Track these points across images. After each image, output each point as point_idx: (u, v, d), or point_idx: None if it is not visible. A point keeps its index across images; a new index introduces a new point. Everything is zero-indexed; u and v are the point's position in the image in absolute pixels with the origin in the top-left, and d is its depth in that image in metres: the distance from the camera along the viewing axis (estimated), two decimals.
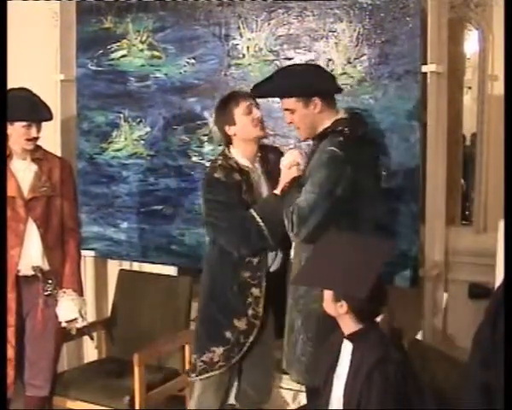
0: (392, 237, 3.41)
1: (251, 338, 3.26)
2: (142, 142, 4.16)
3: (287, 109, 3.02)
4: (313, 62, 3.59)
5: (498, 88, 3.53)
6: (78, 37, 4.31)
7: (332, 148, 2.89)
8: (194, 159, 3.81)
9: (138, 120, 4.16)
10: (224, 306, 3.27)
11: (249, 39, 3.82)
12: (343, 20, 3.57)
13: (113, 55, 4.21)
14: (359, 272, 2.43)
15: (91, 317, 4.52)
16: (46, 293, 3.61)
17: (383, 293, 2.54)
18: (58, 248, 3.69)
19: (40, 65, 4.49)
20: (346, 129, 2.94)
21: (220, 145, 3.87)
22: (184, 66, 4.00)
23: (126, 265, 4.45)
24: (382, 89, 3.50)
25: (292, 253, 3.18)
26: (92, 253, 4.40)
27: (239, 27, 3.84)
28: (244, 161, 3.26)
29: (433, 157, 3.50)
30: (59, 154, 4.31)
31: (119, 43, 4.19)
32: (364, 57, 3.53)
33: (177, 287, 4.06)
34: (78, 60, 4.32)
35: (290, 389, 3.85)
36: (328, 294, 2.53)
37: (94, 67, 4.28)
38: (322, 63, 3.57)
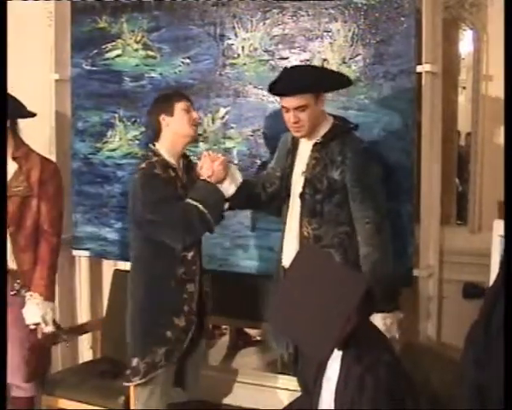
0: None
1: (189, 335, 3.24)
2: (137, 142, 4.15)
3: (298, 107, 3.07)
4: (308, 62, 3.61)
5: (493, 88, 3.54)
6: (72, 36, 4.30)
7: (363, 145, 3.17)
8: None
9: (133, 119, 4.15)
10: (163, 304, 3.21)
11: (244, 39, 3.82)
12: (338, 19, 3.58)
13: (108, 55, 4.20)
14: (325, 324, 2.35)
15: (86, 317, 4.53)
16: (12, 293, 3.56)
17: (372, 300, 2.52)
18: (30, 249, 3.61)
19: (35, 64, 4.47)
20: (355, 127, 3.22)
21: (215, 145, 3.89)
22: (179, 65, 4.00)
23: (121, 265, 4.43)
24: (377, 89, 3.50)
25: (283, 256, 3.25)
26: (87, 253, 4.39)
27: (234, 27, 3.84)
28: (170, 159, 3.24)
29: (427, 157, 3.51)
30: (54, 154, 4.31)
31: (113, 43, 4.18)
32: (359, 57, 3.54)
33: None
34: (73, 59, 4.31)
35: (286, 390, 3.85)
36: None
37: (89, 67, 4.26)
38: (316, 63, 3.59)
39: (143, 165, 3.19)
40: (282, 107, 3.14)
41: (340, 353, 2.49)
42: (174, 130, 3.23)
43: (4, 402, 2.74)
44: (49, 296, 3.64)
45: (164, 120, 3.23)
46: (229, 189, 3.20)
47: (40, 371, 3.78)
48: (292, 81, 3.10)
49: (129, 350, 3.30)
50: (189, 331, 3.25)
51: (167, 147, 3.24)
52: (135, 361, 3.24)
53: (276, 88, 3.16)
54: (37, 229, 3.65)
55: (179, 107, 3.22)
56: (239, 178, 3.25)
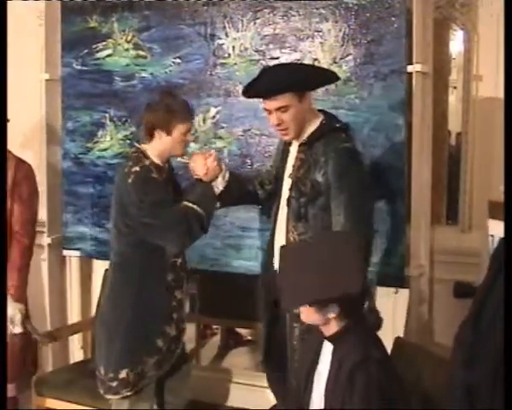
0: (378, 236, 3.43)
1: (180, 345, 3.19)
2: (128, 141, 4.13)
3: (279, 108, 2.94)
4: (299, 62, 3.61)
5: (483, 88, 3.55)
6: (63, 36, 4.29)
7: (346, 144, 2.99)
8: (180, 158, 3.79)
9: (124, 119, 4.14)
10: (154, 312, 3.12)
11: (235, 39, 3.82)
12: (329, 19, 3.58)
13: (99, 55, 4.19)
14: (345, 267, 2.38)
15: (77, 317, 4.52)
16: None
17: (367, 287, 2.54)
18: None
19: (25, 64, 4.45)
20: (344, 125, 3.06)
21: (206, 145, 3.89)
22: (170, 65, 3.99)
23: None
24: (368, 89, 3.51)
25: (275, 259, 3.17)
26: (77, 253, 4.38)
27: (224, 27, 3.84)
28: (159, 162, 3.14)
29: (418, 157, 3.51)
30: (44, 153, 4.30)
31: (104, 43, 4.17)
32: (350, 57, 3.54)
33: None
34: (64, 59, 4.30)
35: None
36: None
37: (79, 67, 4.25)
38: (307, 63, 3.58)
39: (137, 168, 3.05)
40: (265, 109, 3.02)
41: (332, 348, 2.49)
42: (166, 146, 3.11)
43: (5, 402, 2.72)
44: (18, 298, 3.61)
45: (159, 134, 3.09)
46: (220, 185, 3.16)
47: (19, 372, 3.74)
48: (267, 82, 2.95)
49: (114, 361, 3.15)
50: (180, 341, 3.19)
51: (155, 153, 3.13)
52: (124, 373, 3.11)
53: (249, 91, 3.04)
54: (10, 230, 3.61)
55: (179, 130, 3.07)
56: (227, 173, 3.20)
